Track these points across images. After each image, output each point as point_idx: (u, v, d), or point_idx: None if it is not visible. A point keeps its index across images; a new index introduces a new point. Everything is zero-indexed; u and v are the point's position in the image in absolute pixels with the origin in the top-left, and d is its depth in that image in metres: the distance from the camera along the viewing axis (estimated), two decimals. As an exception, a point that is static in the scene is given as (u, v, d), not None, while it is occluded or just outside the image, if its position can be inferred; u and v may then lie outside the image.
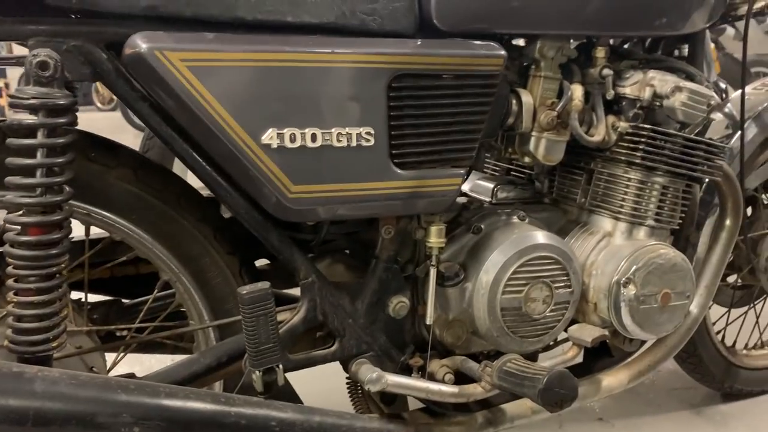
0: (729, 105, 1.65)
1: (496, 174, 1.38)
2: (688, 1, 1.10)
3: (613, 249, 1.12)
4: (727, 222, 1.25)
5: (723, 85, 1.74)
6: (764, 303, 1.81)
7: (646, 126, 1.08)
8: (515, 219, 1.12)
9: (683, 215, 1.18)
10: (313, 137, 0.87)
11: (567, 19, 1.02)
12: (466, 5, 0.97)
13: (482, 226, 1.09)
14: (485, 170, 1.39)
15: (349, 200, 0.91)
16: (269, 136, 0.85)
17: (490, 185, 1.26)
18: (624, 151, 1.10)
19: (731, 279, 1.69)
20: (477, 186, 1.30)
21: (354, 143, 0.90)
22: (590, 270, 1.13)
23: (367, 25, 0.93)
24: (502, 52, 0.98)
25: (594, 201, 1.17)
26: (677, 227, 1.18)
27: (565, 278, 1.08)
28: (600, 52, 1.09)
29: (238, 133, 0.84)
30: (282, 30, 0.88)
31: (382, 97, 0.91)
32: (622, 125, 1.10)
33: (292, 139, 0.86)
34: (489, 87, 0.98)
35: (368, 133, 0.90)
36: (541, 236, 1.08)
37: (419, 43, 0.94)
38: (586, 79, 1.11)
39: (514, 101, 1.06)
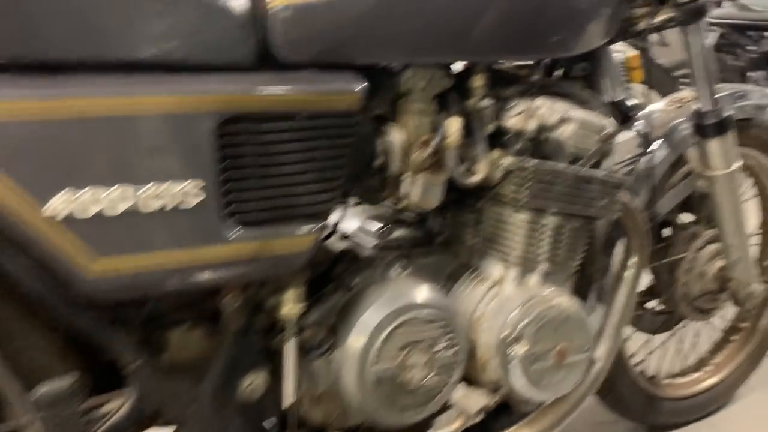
0: (641, 122, 1.56)
1: (388, 210, 1.25)
2: (578, 20, 0.98)
3: (502, 299, 1.00)
4: (632, 260, 1.15)
5: (630, 103, 1.66)
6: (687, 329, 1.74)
7: (529, 163, 0.96)
8: (394, 271, 0.99)
9: (584, 255, 1.07)
10: (121, 198, 0.71)
11: (437, 45, 0.89)
12: (315, 31, 0.83)
13: (355, 282, 0.95)
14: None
15: (174, 272, 0.76)
16: (59, 202, 0.68)
17: (377, 225, 1.12)
18: (510, 190, 0.98)
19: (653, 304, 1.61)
20: (363, 226, 1.16)
21: (175, 202, 0.74)
22: (478, 324, 1.01)
23: (193, 59, 0.78)
24: (360, 86, 0.84)
25: (483, 244, 1.05)
26: (576, 270, 1.07)
27: (449, 338, 0.95)
28: (477, 81, 0.97)
29: (18, 200, 0.67)
30: (82, 70, 0.72)
31: (209, 144, 0.75)
32: (506, 161, 0.98)
33: (90, 203, 0.70)
34: (347, 126, 0.84)
35: (194, 189, 0.75)
36: (420, 292, 0.95)
37: (255, 77, 0.79)
38: (466, 110, 0.99)
39: (381, 141, 0.93)
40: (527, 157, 0.99)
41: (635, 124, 1.58)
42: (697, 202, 1.53)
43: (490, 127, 0.98)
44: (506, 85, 1.03)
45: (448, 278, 1.10)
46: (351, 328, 0.91)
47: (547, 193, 0.97)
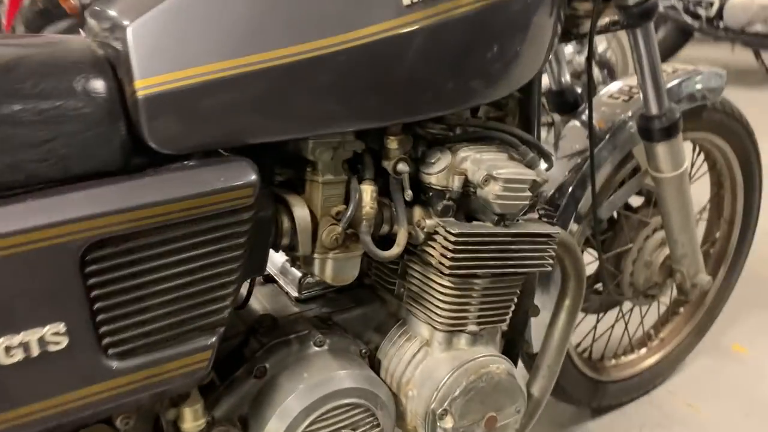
0: (585, 114, 1.47)
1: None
2: (501, 64, 0.87)
3: (430, 366, 0.94)
4: (568, 300, 1.09)
5: (578, 90, 1.55)
6: (631, 312, 1.72)
7: (454, 229, 0.87)
8: (310, 348, 0.92)
9: (515, 307, 1.00)
10: (-31, 359, 0.62)
11: (339, 113, 0.78)
12: (195, 116, 0.71)
13: (267, 366, 0.89)
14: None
15: (51, 417, 0.68)
16: None
17: (299, 273, 1.04)
18: (433, 254, 0.90)
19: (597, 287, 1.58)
20: (285, 271, 1.08)
21: (38, 351, 0.65)
22: (407, 390, 0.95)
23: (44, 174, 0.66)
24: (252, 178, 0.73)
25: (409, 300, 0.98)
26: (506, 324, 1.01)
27: (371, 420, 0.90)
28: (392, 143, 0.86)
29: None
30: None
31: (71, 278, 0.65)
32: (429, 223, 0.90)
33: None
34: (239, 224, 0.74)
35: (58, 332, 0.66)
36: (339, 376, 0.88)
37: (122, 188, 0.68)
38: (383, 172, 0.89)
39: (285, 218, 0.83)
40: (451, 218, 0.90)
41: (581, 113, 1.48)
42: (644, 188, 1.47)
43: (409, 194, 0.88)
44: (425, 143, 0.92)
45: (375, 331, 1.04)
46: (265, 422, 0.85)
47: (474, 257, 0.89)
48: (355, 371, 0.90)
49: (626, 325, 1.70)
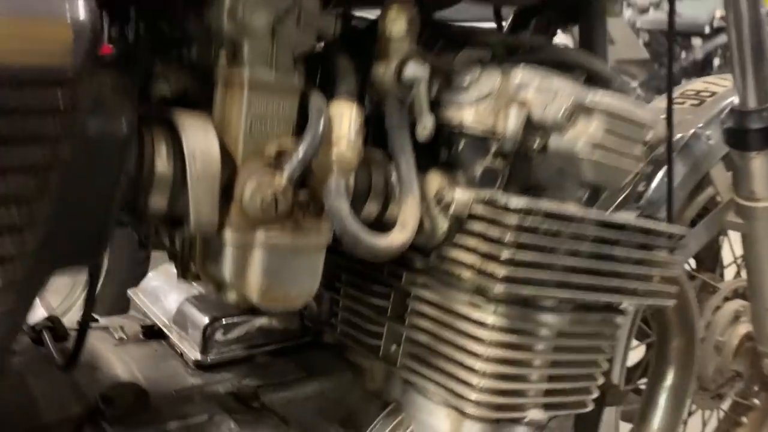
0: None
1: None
2: None
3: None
4: (671, 376, 0.65)
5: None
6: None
7: (511, 204, 0.44)
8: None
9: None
10: None
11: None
12: None
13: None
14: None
15: None
16: None
17: (205, 318, 0.58)
18: (467, 260, 0.46)
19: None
20: (185, 311, 0.61)
21: None
22: None
23: None
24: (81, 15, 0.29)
25: (412, 363, 0.52)
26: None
27: None
28: (394, 17, 0.43)
29: None
30: None
31: None
32: (459, 197, 0.46)
33: None
34: (42, 117, 0.29)
35: None
36: None
37: None
38: (371, 90, 0.46)
39: (162, 152, 0.38)
40: (502, 191, 0.47)
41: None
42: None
43: (426, 127, 0.45)
44: (455, 45, 0.50)
45: (343, 423, 0.56)
46: None
47: (545, 268, 0.45)
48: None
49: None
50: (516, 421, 0.50)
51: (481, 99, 0.47)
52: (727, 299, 1.10)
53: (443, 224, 0.47)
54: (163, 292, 0.67)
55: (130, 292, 0.72)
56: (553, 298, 0.48)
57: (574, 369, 0.51)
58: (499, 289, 0.44)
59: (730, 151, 0.89)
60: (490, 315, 0.47)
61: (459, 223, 0.47)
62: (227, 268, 0.40)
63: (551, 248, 0.45)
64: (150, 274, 0.72)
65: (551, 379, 0.51)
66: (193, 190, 0.37)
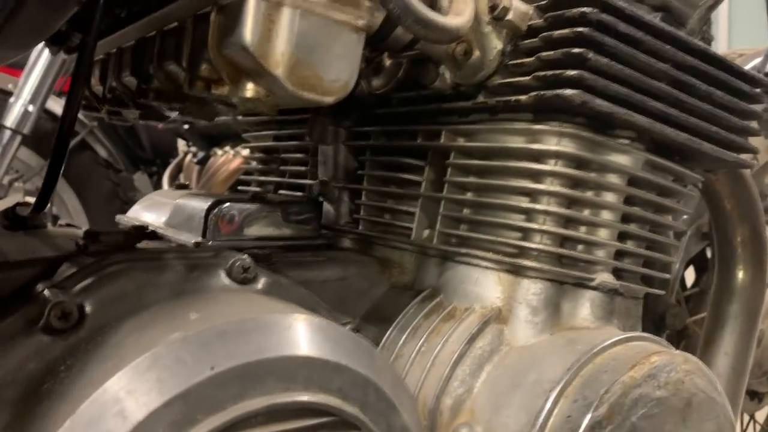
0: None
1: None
2: None
3: (514, 364, 0.38)
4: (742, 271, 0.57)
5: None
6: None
7: (610, 1, 0.37)
8: (216, 279, 0.35)
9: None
10: None
11: None
12: None
13: (85, 307, 0.31)
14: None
15: None
16: None
17: (206, 203, 0.50)
18: (530, 84, 0.39)
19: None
20: (182, 206, 0.53)
21: None
22: (457, 424, 0.38)
23: None
24: None
25: (453, 228, 0.44)
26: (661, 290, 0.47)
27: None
28: None
29: None
30: None
31: None
32: (520, 5, 0.40)
33: None
34: None
35: None
36: (284, 328, 0.31)
37: None
38: None
39: None
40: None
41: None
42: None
43: None
44: None
45: (366, 318, 0.47)
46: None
47: (622, 83, 0.38)
48: (337, 331, 0.33)
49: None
50: (583, 285, 0.41)
51: None
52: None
53: (497, 43, 0.41)
54: (155, 206, 0.59)
55: (117, 218, 0.64)
56: (628, 132, 0.40)
57: (646, 232, 0.43)
58: (570, 94, 0.37)
59: None
60: (553, 144, 0.39)
61: (516, 42, 0.41)
62: (248, 27, 0.32)
63: (628, 59, 0.39)
64: (137, 203, 0.65)
65: (622, 238, 0.43)
66: None
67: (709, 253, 0.88)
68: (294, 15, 0.33)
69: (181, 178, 1.77)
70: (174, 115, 0.51)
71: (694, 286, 0.98)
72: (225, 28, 0.34)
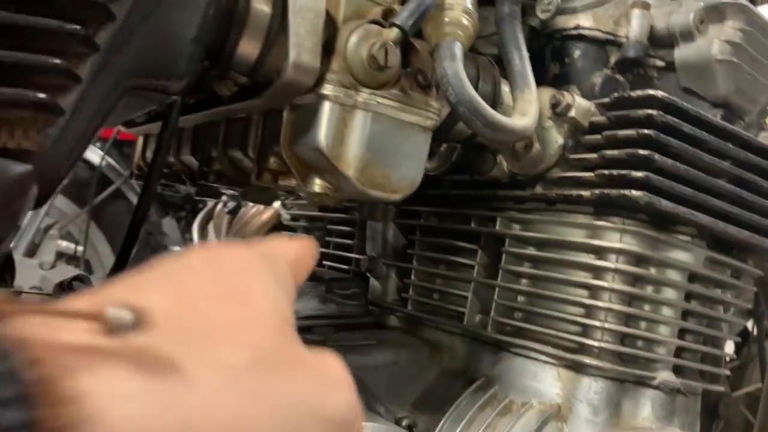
0: None
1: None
2: None
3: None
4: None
5: None
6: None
7: (670, 101, 0.37)
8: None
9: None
10: None
11: None
12: None
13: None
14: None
15: None
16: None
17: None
18: (591, 179, 0.39)
19: None
20: None
21: None
22: None
23: None
24: None
25: (508, 318, 0.43)
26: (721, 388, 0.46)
27: None
28: None
29: None
30: None
31: None
32: (582, 103, 0.40)
33: None
34: None
35: None
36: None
37: None
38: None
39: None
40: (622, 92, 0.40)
41: None
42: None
43: (551, 3, 0.40)
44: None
45: (418, 405, 0.47)
46: None
47: (685, 182, 0.38)
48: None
49: None
50: (644, 383, 0.40)
51: (598, 4, 0.42)
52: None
53: (558, 138, 0.41)
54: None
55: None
56: (689, 228, 0.40)
57: (707, 327, 0.43)
58: (636, 195, 0.37)
59: None
60: (616, 241, 0.39)
61: (577, 136, 0.41)
62: (323, 130, 0.33)
63: (691, 158, 0.39)
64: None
65: (681, 334, 0.42)
66: (294, 26, 0.32)
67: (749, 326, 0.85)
68: (366, 118, 0.34)
69: (211, 227, 1.79)
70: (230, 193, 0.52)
71: (734, 359, 0.95)
72: (298, 127, 0.35)
